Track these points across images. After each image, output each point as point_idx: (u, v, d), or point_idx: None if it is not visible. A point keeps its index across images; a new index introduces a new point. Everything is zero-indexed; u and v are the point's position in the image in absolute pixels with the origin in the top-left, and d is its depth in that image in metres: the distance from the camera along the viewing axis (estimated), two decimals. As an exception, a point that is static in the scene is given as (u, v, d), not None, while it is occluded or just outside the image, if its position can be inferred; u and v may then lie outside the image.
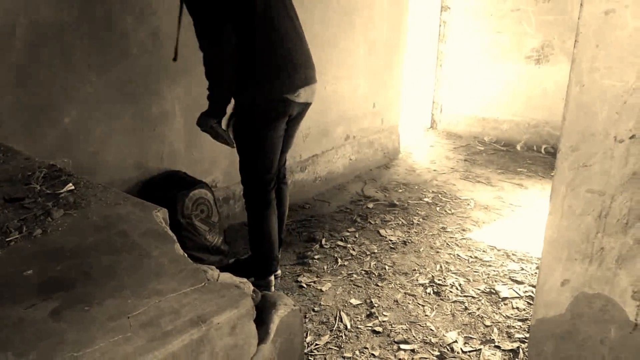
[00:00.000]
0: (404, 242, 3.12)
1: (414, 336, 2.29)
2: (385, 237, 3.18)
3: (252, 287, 1.00)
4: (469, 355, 2.17)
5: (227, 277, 1.02)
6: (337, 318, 2.40)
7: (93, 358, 0.80)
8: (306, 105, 2.41)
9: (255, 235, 2.48)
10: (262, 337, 0.99)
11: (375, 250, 3.02)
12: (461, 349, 2.21)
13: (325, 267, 2.83)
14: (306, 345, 2.21)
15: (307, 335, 2.28)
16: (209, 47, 2.09)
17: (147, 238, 1.16)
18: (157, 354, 0.82)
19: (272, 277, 2.58)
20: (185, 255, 1.09)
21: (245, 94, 2.23)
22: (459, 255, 2.98)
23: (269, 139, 2.31)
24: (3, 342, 0.83)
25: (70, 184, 1.42)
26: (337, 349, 2.20)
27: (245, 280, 1.01)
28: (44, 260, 1.08)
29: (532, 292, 2.56)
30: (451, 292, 2.62)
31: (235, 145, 2.32)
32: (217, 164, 3.06)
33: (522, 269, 2.83)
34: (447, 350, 2.21)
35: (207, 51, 2.10)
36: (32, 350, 0.82)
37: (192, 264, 1.05)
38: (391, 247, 3.06)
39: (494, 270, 2.82)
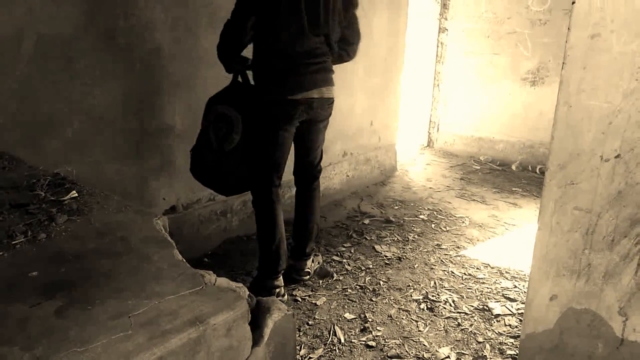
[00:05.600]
0: (399, 258, 3.15)
1: (407, 351, 2.31)
2: (381, 253, 3.21)
3: (247, 292, 1.04)
4: (460, 370, 2.20)
5: (223, 281, 1.06)
6: (331, 332, 2.42)
7: (95, 353, 0.84)
8: (321, 104, 2.52)
9: (259, 231, 2.60)
10: (256, 340, 1.03)
11: (370, 266, 3.05)
12: (453, 364, 2.24)
13: (320, 282, 2.86)
14: (300, 358, 2.24)
15: (301, 348, 2.30)
16: (228, 26, 2.35)
17: (147, 243, 1.21)
18: (156, 351, 0.86)
19: (281, 279, 2.65)
20: (184, 260, 1.13)
21: (256, 95, 2.41)
22: (453, 272, 3.01)
23: (276, 139, 2.46)
24: (10, 338, 0.87)
25: (74, 192, 1.46)
26: (331, 362, 2.23)
27: (241, 285, 1.05)
28: (48, 263, 1.12)
29: (524, 309, 2.59)
30: (445, 308, 2.65)
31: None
32: (216, 178, 3.10)
33: (515, 287, 2.86)
34: (440, 365, 2.23)
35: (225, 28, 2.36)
36: (37, 345, 0.86)
37: (190, 268, 1.09)
38: (386, 263, 3.09)
39: (487, 288, 2.85)
